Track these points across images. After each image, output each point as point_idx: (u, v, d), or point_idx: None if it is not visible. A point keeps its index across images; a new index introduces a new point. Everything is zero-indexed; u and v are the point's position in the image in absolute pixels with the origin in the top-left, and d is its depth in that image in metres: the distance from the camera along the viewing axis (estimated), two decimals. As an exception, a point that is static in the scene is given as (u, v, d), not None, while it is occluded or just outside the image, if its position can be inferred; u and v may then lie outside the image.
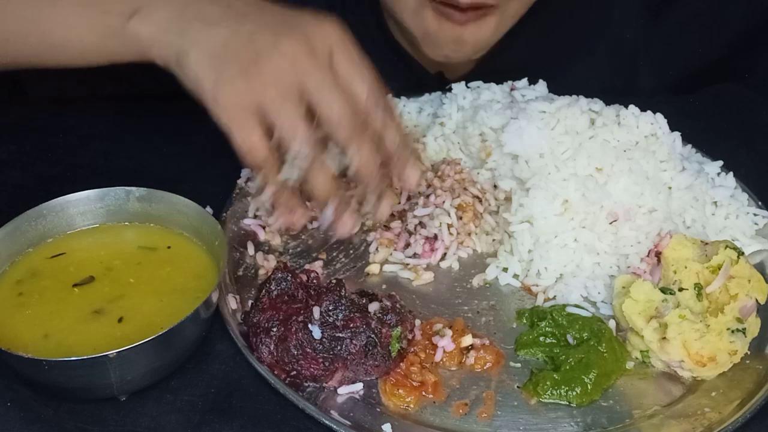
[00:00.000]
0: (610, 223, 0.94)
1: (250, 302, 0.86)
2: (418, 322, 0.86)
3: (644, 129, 0.98)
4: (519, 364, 0.85)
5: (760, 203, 1.03)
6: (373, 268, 0.94)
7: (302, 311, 0.80)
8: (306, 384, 0.80)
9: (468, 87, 1.10)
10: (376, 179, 0.86)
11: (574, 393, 0.81)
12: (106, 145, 1.11)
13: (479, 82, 1.10)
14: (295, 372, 0.79)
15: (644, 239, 0.94)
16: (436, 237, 0.96)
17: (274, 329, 0.80)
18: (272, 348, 0.79)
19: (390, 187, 0.90)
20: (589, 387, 0.81)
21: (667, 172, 0.98)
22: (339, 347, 0.79)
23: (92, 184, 0.90)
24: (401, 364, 0.82)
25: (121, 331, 0.78)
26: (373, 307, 0.81)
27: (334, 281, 0.83)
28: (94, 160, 1.08)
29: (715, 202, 1.01)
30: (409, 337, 0.83)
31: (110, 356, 0.73)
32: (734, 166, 1.06)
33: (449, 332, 0.85)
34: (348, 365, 0.79)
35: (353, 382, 0.81)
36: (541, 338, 0.87)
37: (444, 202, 0.97)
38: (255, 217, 0.99)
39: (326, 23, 0.85)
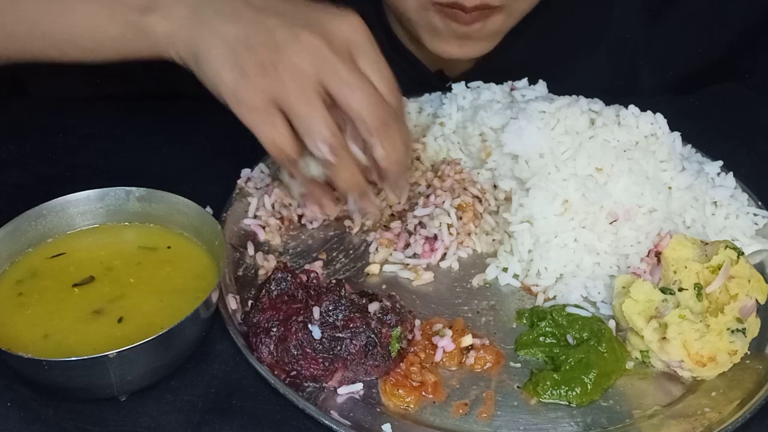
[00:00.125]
0: (610, 223, 0.94)
1: (250, 302, 0.86)
2: (418, 322, 0.86)
3: (644, 129, 0.98)
4: (519, 364, 0.85)
5: (760, 203, 1.03)
6: (373, 268, 0.94)
7: (302, 311, 0.80)
8: (306, 384, 0.80)
9: (468, 87, 1.10)
10: (402, 173, 0.86)
11: (574, 393, 0.81)
12: (106, 145, 1.11)
13: (479, 82, 1.10)
14: (295, 372, 0.79)
15: (644, 239, 0.94)
16: (436, 237, 0.96)
17: (274, 329, 0.80)
18: (272, 348, 0.79)
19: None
20: (589, 387, 0.81)
21: (667, 172, 0.98)
22: (339, 347, 0.79)
23: (92, 184, 0.90)
24: (401, 364, 0.82)
25: (121, 331, 0.78)
26: (373, 307, 0.81)
27: (334, 281, 0.83)
28: (94, 160, 1.08)
29: (715, 202, 1.01)
30: (409, 337, 0.83)
31: (110, 356, 0.73)
32: (734, 166, 1.06)
33: (449, 332, 0.85)
34: (348, 365, 0.79)
35: (353, 382, 0.81)
36: (541, 338, 0.87)
37: (444, 202, 0.97)
38: (255, 217, 0.99)
39: (346, 17, 0.84)
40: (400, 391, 0.80)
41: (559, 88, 1.06)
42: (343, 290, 0.81)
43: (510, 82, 1.10)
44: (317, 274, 0.86)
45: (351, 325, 0.79)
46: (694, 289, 0.86)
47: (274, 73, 0.81)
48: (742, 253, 0.88)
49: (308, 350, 0.78)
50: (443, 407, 0.80)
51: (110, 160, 1.09)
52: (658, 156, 0.98)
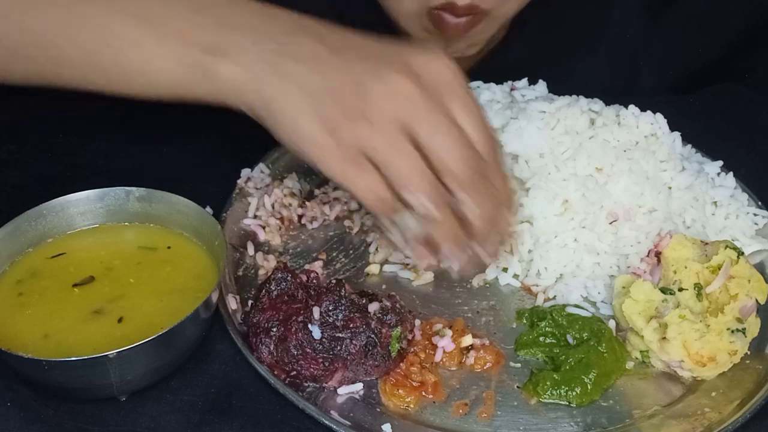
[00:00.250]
0: (610, 223, 0.94)
1: (250, 302, 0.86)
2: (418, 322, 0.86)
3: (644, 129, 0.98)
4: (519, 364, 0.85)
5: (760, 203, 1.03)
6: (373, 268, 0.94)
7: (302, 311, 0.80)
8: (306, 384, 0.80)
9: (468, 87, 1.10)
10: (494, 233, 0.79)
11: (574, 393, 0.81)
12: (106, 145, 1.11)
13: (479, 82, 1.10)
14: (295, 372, 0.79)
15: (644, 239, 0.94)
16: (436, 237, 0.96)
17: (274, 329, 0.80)
18: (272, 348, 0.79)
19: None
20: (589, 387, 0.81)
21: (667, 172, 0.98)
22: (339, 347, 0.79)
23: (92, 184, 0.90)
24: (401, 364, 0.82)
25: (121, 331, 0.78)
26: (373, 307, 0.81)
27: (334, 281, 0.83)
28: (94, 160, 1.08)
29: (715, 202, 1.01)
30: (409, 337, 0.83)
31: (110, 356, 0.73)
32: (734, 166, 1.06)
33: (449, 332, 0.85)
34: (348, 365, 0.79)
35: (353, 382, 0.81)
36: (541, 338, 0.87)
37: (444, 202, 0.97)
38: (255, 217, 0.99)
39: (435, 55, 0.76)
40: (400, 391, 0.80)
41: (559, 88, 1.06)
42: (343, 290, 0.81)
43: (510, 82, 1.10)
44: (317, 274, 0.86)
45: (351, 325, 0.79)
46: (694, 289, 0.86)
47: (362, 122, 0.73)
48: (742, 253, 0.88)
49: (308, 350, 0.78)
50: (443, 407, 0.80)
51: (110, 160, 1.08)
52: (658, 156, 0.98)
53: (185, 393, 0.79)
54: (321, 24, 0.79)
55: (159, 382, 0.79)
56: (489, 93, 1.08)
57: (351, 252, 0.97)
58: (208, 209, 0.89)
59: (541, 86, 1.08)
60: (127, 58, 0.81)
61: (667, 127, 0.99)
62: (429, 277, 0.94)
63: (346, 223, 0.99)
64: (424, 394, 0.81)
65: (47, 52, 0.84)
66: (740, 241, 0.97)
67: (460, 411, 0.80)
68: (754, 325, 0.86)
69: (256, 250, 0.95)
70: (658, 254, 0.92)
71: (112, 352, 0.72)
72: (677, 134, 1.02)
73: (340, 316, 0.79)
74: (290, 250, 0.97)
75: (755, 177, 1.07)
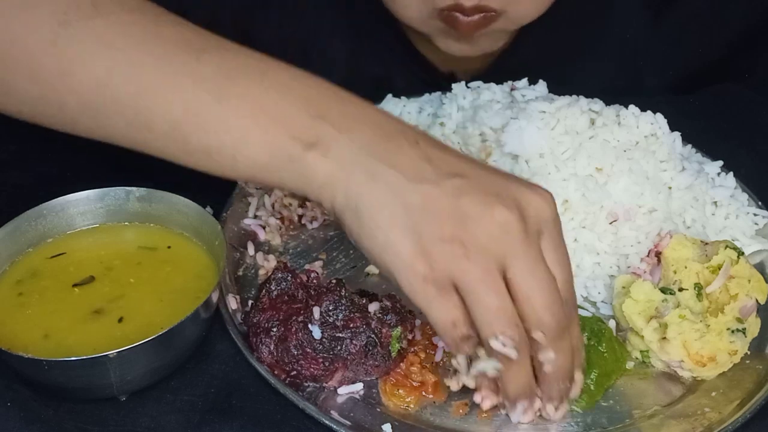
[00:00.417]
0: (610, 223, 0.94)
1: (250, 302, 0.86)
2: (418, 322, 0.85)
3: (644, 129, 0.98)
4: (519, 364, 0.85)
5: (760, 203, 1.03)
6: (373, 268, 0.94)
7: (302, 311, 0.80)
8: (306, 384, 0.80)
9: (468, 87, 1.10)
10: (566, 384, 0.75)
11: (581, 400, 0.80)
12: (106, 145, 1.11)
13: (479, 82, 1.10)
14: (295, 372, 0.79)
15: (644, 239, 0.94)
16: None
17: (274, 329, 0.80)
18: (272, 348, 0.79)
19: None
20: (592, 387, 0.81)
21: (667, 172, 0.98)
22: (339, 347, 0.79)
23: (92, 184, 0.90)
24: (401, 364, 0.82)
25: (121, 331, 0.78)
26: (373, 307, 0.81)
27: (334, 281, 0.83)
28: (94, 160, 1.08)
29: (715, 202, 1.01)
30: (409, 337, 0.83)
31: (110, 356, 0.73)
32: (734, 166, 1.06)
33: (449, 332, 0.84)
34: (348, 365, 0.79)
35: (353, 382, 0.81)
36: (541, 338, 0.86)
37: (444, 202, 0.97)
38: (255, 217, 0.99)
39: (540, 192, 0.73)
40: (400, 391, 0.80)
41: (567, 89, 1.04)
42: (343, 290, 0.81)
43: (510, 82, 1.10)
44: (317, 274, 0.86)
45: (351, 325, 0.79)
46: (694, 289, 0.86)
47: (459, 250, 0.68)
48: (742, 253, 0.88)
49: (308, 350, 0.78)
50: (443, 407, 0.80)
51: (110, 160, 1.08)
52: (658, 156, 0.98)
53: (185, 393, 0.79)
54: (413, 128, 0.76)
55: (159, 382, 0.79)
56: (489, 93, 1.07)
57: (351, 252, 0.97)
58: (208, 209, 0.89)
59: (541, 86, 1.08)
60: (215, 136, 0.75)
61: (667, 127, 0.99)
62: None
63: (346, 223, 0.99)
64: (424, 394, 0.81)
65: (127, 114, 0.76)
66: (740, 241, 0.97)
67: (460, 411, 0.80)
68: (754, 325, 0.86)
69: (256, 250, 0.95)
70: (658, 254, 0.92)
71: (112, 352, 0.73)
72: (677, 134, 1.02)
73: (340, 316, 0.79)
74: (290, 250, 0.97)
75: (755, 177, 1.07)
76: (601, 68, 1.27)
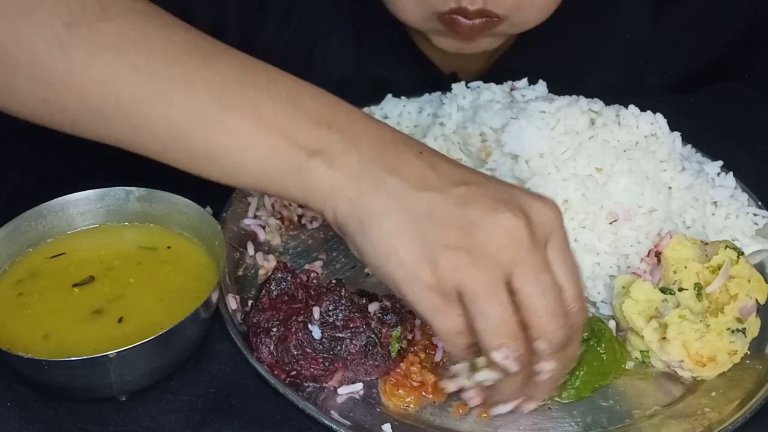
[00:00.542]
0: (610, 223, 0.94)
1: (250, 302, 0.86)
2: (417, 322, 0.85)
3: (644, 129, 0.98)
4: (519, 364, 0.85)
5: (760, 203, 1.03)
6: (373, 268, 0.94)
7: (302, 311, 0.80)
8: (306, 384, 0.80)
9: (468, 87, 1.10)
10: (554, 389, 0.77)
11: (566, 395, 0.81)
12: (107, 145, 1.11)
13: (479, 82, 1.10)
14: (295, 372, 0.79)
15: (644, 239, 0.94)
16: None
17: (274, 329, 0.80)
18: (272, 348, 0.79)
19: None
20: (577, 383, 0.81)
21: (667, 172, 0.98)
22: (339, 347, 0.79)
23: (92, 184, 0.90)
24: (401, 364, 0.82)
25: (121, 331, 0.78)
26: (373, 307, 0.81)
27: (334, 281, 0.83)
28: (94, 160, 1.08)
29: (715, 202, 1.01)
30: (409, 337, 0.83)
31: (110, 356, 0.73)
32: (734, 166, 1.06)
33: (449, 332, 0.84)
34: (348, 365, 0.79)
35: (353, 382, 0.81)
36: (541, 338, 0.87)
37: (444, 202, 0.97)
38: (255, 217, 0.99)
39: (547, 203, 0.72)
40: (400, 391, 0.80)
41: (568, 89, 1.04)
42: (343, 290, 0.81)
43: (510, 82, 1.10)
44: (317, 274, 0.86)
45: (351, 325, 0.79)
46: (694, 289, 0.86)
47: (464, 257, 0.68)
48: (742, 253, 0.88)
49: (308, 350, 0.78)
50: (443, 407, 0.80)
51: (110, 160, 1.08)
52: (658, 156, 0.98)
53: (185, 393, 0.79)
54: (415, 140, 0.76)
55: (159, 382, 0.79)
56: (489, 93, 1.07)
57: (351, 252, 0.96)
58: (208, 209, 0.89)
59: (541, 86, 1.08)
60: (220, 144, 0.74)
61: (667, 127, 0.99)
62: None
63: (346, 223, 0.99)
64: (424, 394, 0.81)
65: (131, 118, 0.76)
66: (740, 241, 0.97)
67: (460, 411, 0.80)
68: (754, 325, 0.86)
69: (256, 250, 0.95)
70: (658, 254, 0.92)
71: (112, 352, 0.73)
72: (677, 134, 1.02)
73: (340, 316, 0.79)
74: (290, 250, 0.97)
75: (755, 177, 1.07)
76: (602, 68, 1.27)
